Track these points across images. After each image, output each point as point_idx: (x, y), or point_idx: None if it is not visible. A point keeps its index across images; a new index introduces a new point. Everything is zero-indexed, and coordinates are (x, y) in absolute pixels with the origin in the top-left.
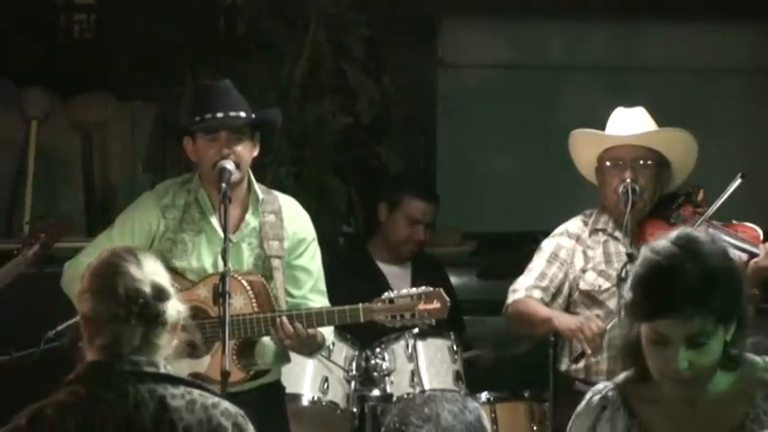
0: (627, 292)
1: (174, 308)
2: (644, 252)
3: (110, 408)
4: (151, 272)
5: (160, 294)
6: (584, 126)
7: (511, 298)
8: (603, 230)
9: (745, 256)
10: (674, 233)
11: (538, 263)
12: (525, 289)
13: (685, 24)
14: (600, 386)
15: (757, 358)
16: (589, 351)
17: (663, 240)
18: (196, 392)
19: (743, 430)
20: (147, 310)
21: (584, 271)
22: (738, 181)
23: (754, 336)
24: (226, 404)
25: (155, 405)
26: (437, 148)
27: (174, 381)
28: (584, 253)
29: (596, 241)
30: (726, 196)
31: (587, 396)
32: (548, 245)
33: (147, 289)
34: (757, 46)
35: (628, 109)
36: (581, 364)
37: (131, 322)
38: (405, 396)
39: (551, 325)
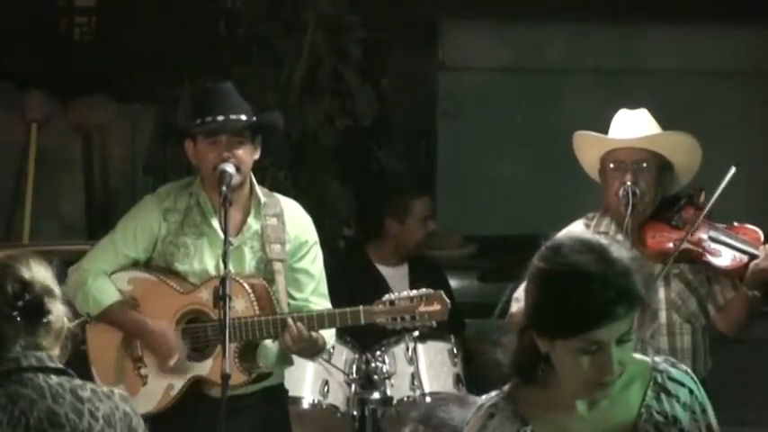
0: (531, 310)
1: (61, 312)
2: (545, 266)
3: (30, 402)
4: (40, 273)
5: (47, 295)
6: (583, 129)
7: (515, 306)
8: (605, 233)
9: (745, 258)
10: (564, 240)
11: None
12: None
13: (685, 27)
14: (492, 393)
15: (644, 356)
16: None
17: (564, 253)
18: (89, 384)
19: (636, 430)
20: (31, 308)
21: None
22: (733, 170)
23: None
24: (117, 390)
25: (70, 397)
26: (437, 151)
27: (70, 375)
28: None
29: None
30: (723, 186)
31: (478, 404)
32: None
33: (34, 288)
34: (758, 49)
35: (631, 111)
36: None
37: (16, 320)
38: (405, 399)
39: None
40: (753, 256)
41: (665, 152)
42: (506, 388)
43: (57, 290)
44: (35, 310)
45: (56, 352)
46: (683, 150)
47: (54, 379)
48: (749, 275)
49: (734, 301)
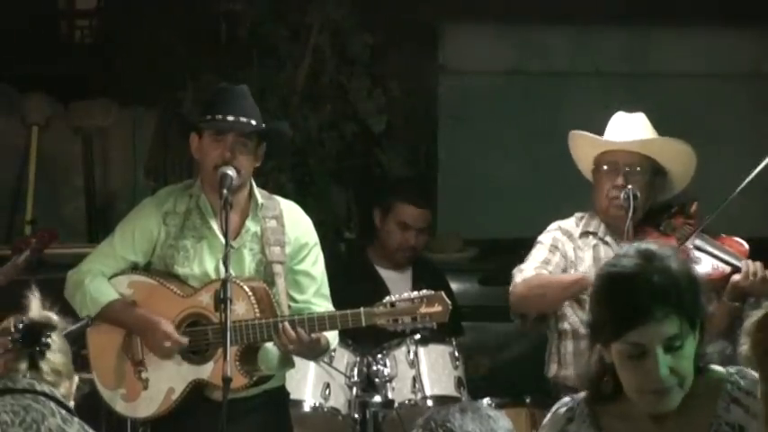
0: (588, 316)
1: (61, 354)
2: (599, 272)
3: (42, 415)
4: (41, 312)
5: (46, 327)
6: (586, 132)
7: (519, 277)
8: (594, 234)
9: (728, 269)
10: (624, 248)
11: (540, 252)
12: (534, 268)
13: (690, 30)
14: (566, 399)
15: (719, 368)
16: None
17: (614, 257)
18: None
19: None
20: (27, 337)
21: (574, 269)
22: None
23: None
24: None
25: (78, 426)
26: (438, 155)
27: (71, 411)
28: (575, 251)
29: (586, 244)
30: (757, 171)
31: (553, 408)
32: (546, 238)
33: (33, 320)
34: (762, 52)
35: (628, 114)
36: (569, 370)
37: (16, 347)
38: (406, 402)
39: (584, 282)
40: (735, 269)
41: (659, 158)
42: (585, 394)
43: (57, 324)
44: (33, 336)
45: (64, 392)
46: (674, 156)
47: (63, 411)
48: (729, 288)
49: (715, 312)
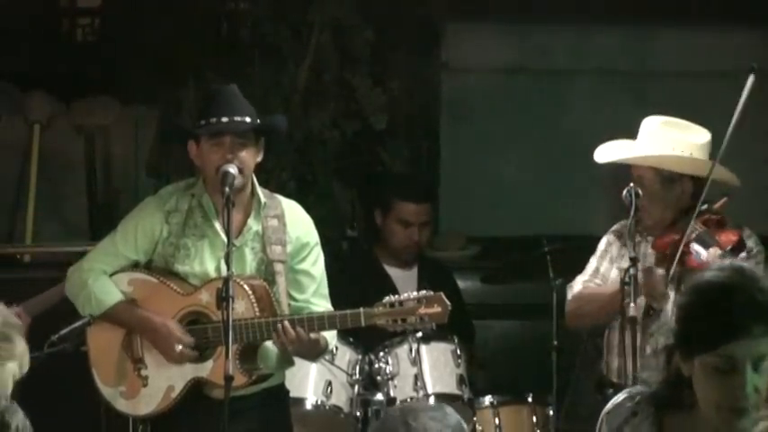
0: (676, 326)
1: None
2: (693, 282)
3: None
4: None
5: None
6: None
7: (569, 294)
8: (640, 231)
9: (704, 255)
10: (717, 263)
11: (592, 260)
12: (582, 283)
13: (690, 30)
14: (636, 391)
15: None
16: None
17: (708, 271)
18: None
19: None
20: None
21: (613, 264)
22: (752, 78)
23: None
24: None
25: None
26: (441, 153)
27: None
28: (620, 250)
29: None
30: (743, 99)
31: (620, 396)
32: (600, 243)
33: None
34: (764, 51)
35: (650, 119)
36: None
37: None
38: (408, 400)
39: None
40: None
41: (666, 167)
42: (648, 393)
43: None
44: None
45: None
46: (682, 166)
47: None
48: None
49: None
